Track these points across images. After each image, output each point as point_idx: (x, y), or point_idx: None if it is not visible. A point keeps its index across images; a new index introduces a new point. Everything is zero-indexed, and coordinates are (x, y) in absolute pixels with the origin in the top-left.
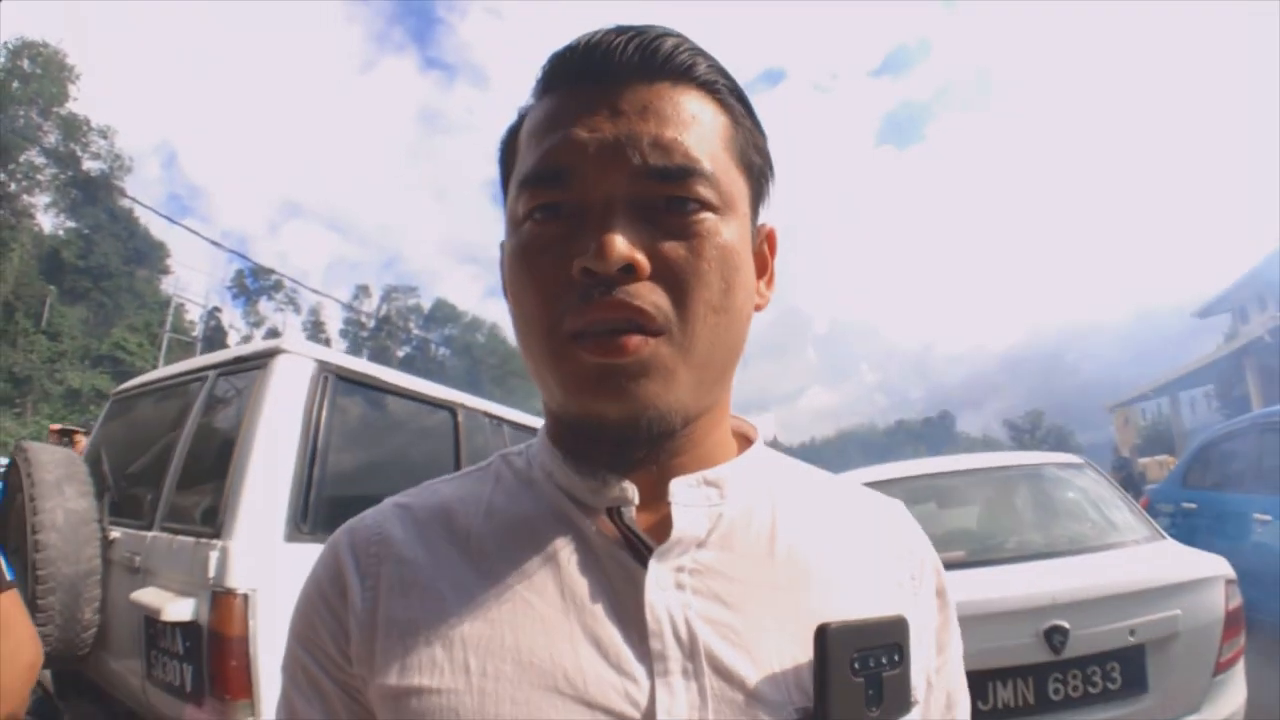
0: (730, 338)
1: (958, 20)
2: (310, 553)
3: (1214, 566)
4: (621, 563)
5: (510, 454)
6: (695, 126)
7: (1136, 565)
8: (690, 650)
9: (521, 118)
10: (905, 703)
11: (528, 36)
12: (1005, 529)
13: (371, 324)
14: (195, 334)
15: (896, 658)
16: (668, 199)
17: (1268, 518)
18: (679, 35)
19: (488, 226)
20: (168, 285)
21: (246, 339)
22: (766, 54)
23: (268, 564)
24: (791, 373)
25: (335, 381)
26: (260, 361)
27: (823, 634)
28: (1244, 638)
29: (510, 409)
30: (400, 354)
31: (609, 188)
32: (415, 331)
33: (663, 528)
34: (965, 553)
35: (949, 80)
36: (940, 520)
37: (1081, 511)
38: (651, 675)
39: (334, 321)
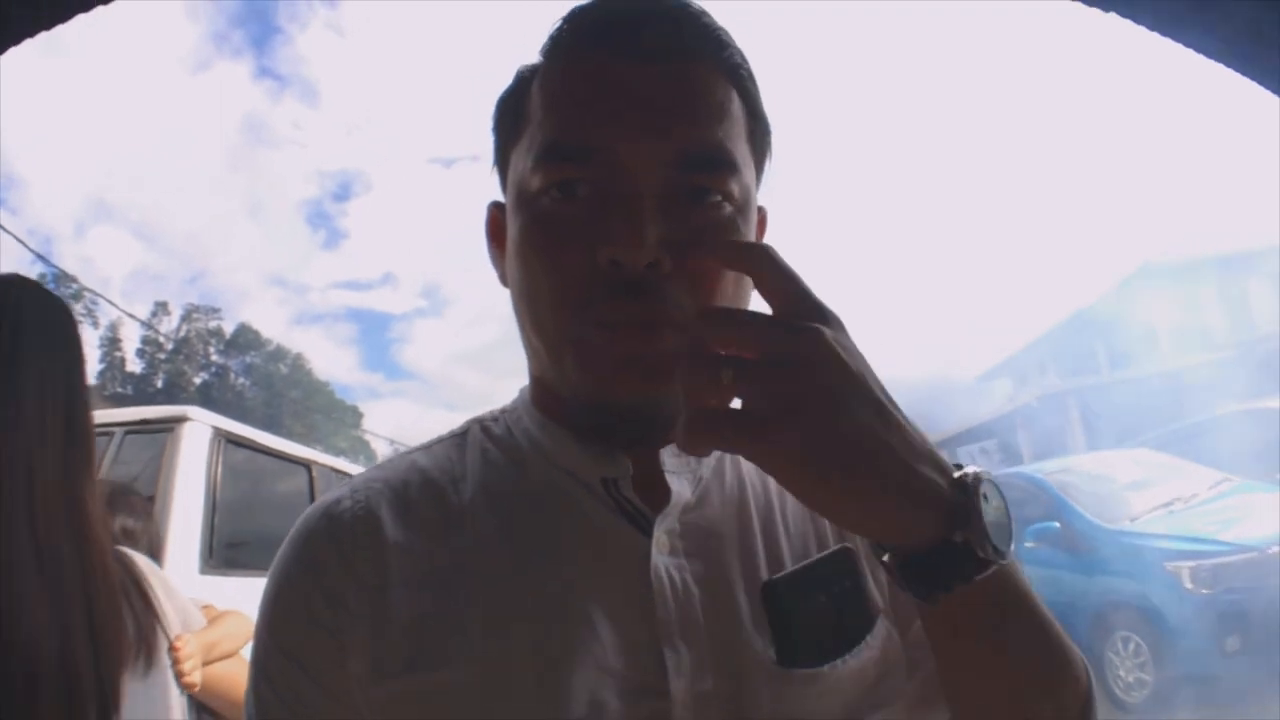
0: None
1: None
2: (216, 583)
3: None
4: (621, 532)
5: (485, 421)
6: (727, 116)
7: None
8: (690, 614)
9: (525, 78)
10: (867, 618)
11: (365, 58)
12: None
13: (170, 346)
14: None
15: (848, 584)
16: (695, 190)
17: None
18: (707, 11)
19: (301, 249)
20: None
21: None
22: None
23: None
24: None
25: (225, 444)
26: (168, 425)
27: (771, 588)
28: None
29: (350, 463)
30: (197, 380)
31: (640, 173)
32: (214, 358)
33: (650, 496)
34: None
35: None
36: None
37: None
38: (658, 641)
39: (132, 339)
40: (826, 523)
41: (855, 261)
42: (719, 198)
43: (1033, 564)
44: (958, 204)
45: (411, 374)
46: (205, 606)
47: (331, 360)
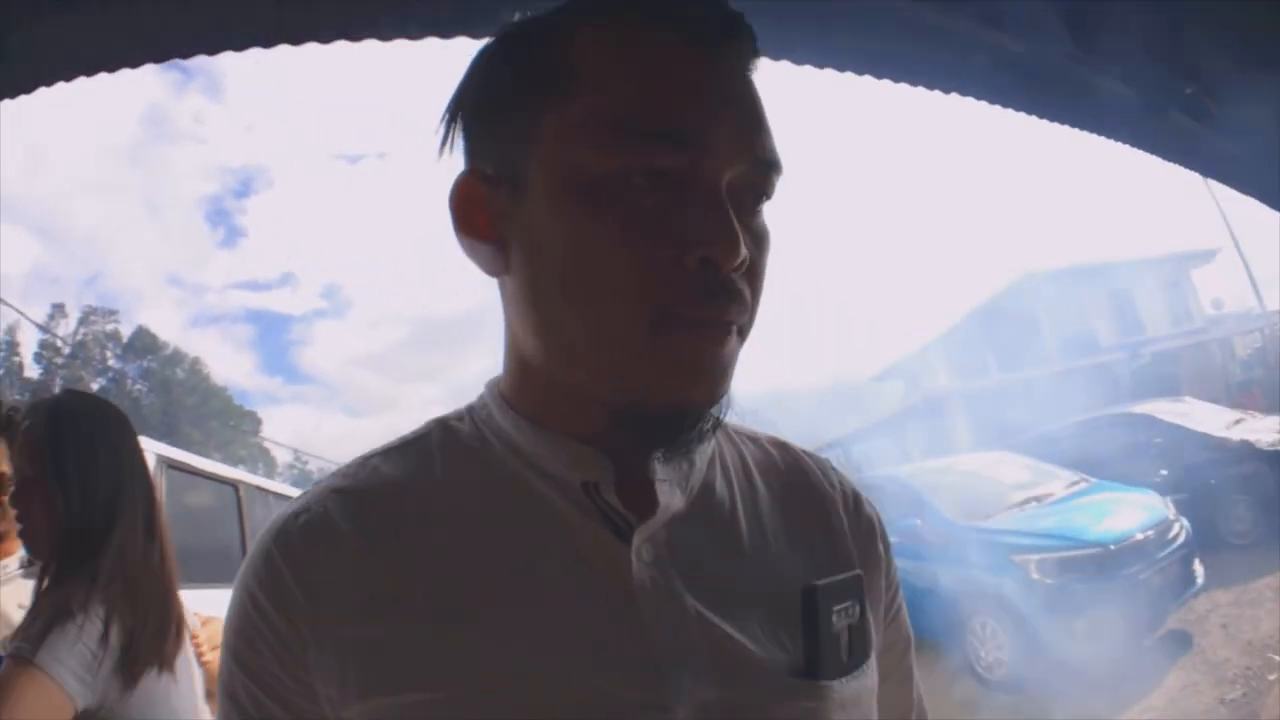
0: None
1: None
2: None
3: None
4: (602, 540)
5: (450, 422)
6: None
7: None
8: (681, 625)
9: (558, 31)
10: (867, 648)
11: (272, 55)
12: None
13: (67, 350)
14: None
15: (858, 609)
16: (755, 192)
17: None
18: None
19: (199, 248)
20: None
21: None
22: None
23: None
24: None
25: (167, 469)
26: None
27: (812, 593)
28: None
29: (283, 484)
30: (95, 386)
31: (731, 169)
32: (112, 363)
33: (633, 503)
34: None
35: None
36: None
37: None
38: (649, 654)
39: (29, 343)
40: (824, 540)
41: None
42: (765, 201)
43: (899, 557)
44: (854, 209)
45: (311, 378)
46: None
47: (229, 364)
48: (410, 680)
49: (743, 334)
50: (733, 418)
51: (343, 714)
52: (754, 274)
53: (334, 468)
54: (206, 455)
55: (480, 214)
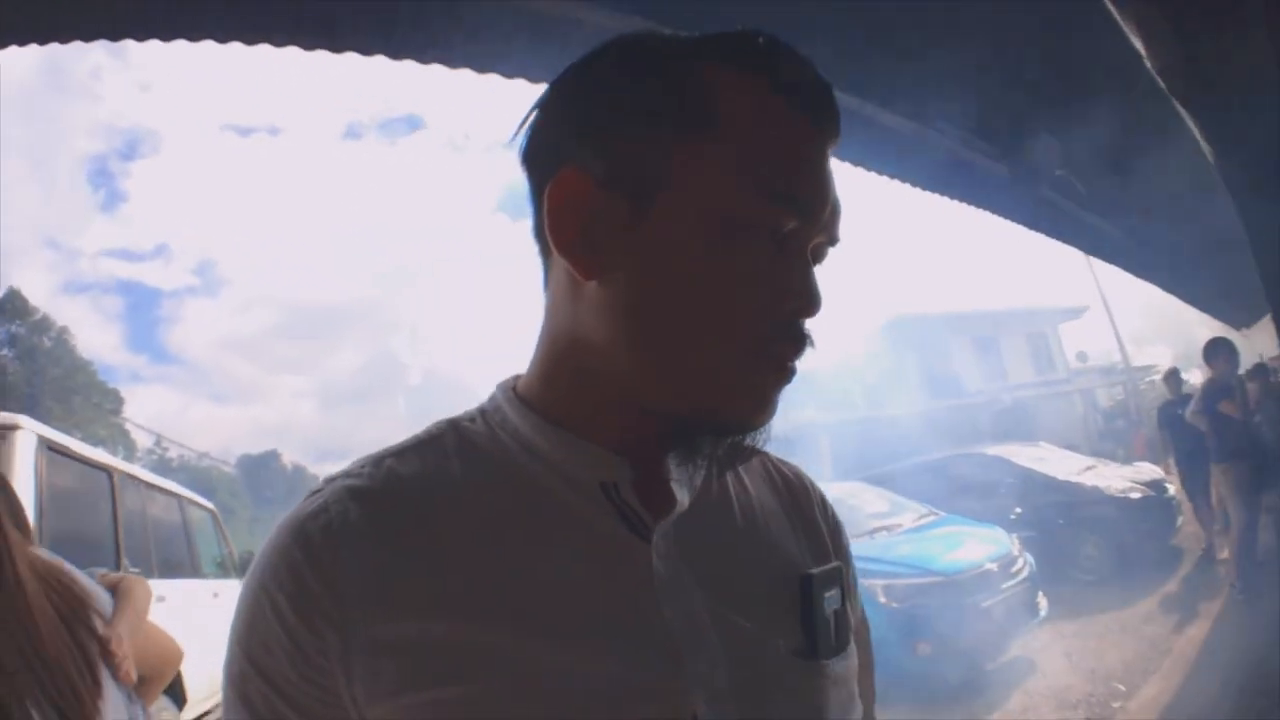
0: None
1: None
2: None
3: None
4: (621, 538)
5: (461, 423)
6: None
7: None
8: (698, 617)
9: (703, 65)
10: (848, 632)
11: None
12: None
13: None
14: None
15: (840, 596)
16: (818, 260)
17: None
18: None
19: (79, 210)
20: None
21: None
22: (410, 100)
23: None
24: (380, 421)
25: (48, 451)
26: (1, 433)
27: (809, 580)
28: None
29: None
30: None
31: (818, 240)
32: None
33: (647, 502)
34: None
35: None
36: None
37: None
38: (670, 644)
39: None
40: (805, 534)
41: None
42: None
43: None
44: None
45: (178, 359)
46: (101, 574)
47: (96, 336)
48: (444, 676)
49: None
50: None
51: (370, 713)
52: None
53: (195, 457)
54: (67, 433)
55: (583, 215)
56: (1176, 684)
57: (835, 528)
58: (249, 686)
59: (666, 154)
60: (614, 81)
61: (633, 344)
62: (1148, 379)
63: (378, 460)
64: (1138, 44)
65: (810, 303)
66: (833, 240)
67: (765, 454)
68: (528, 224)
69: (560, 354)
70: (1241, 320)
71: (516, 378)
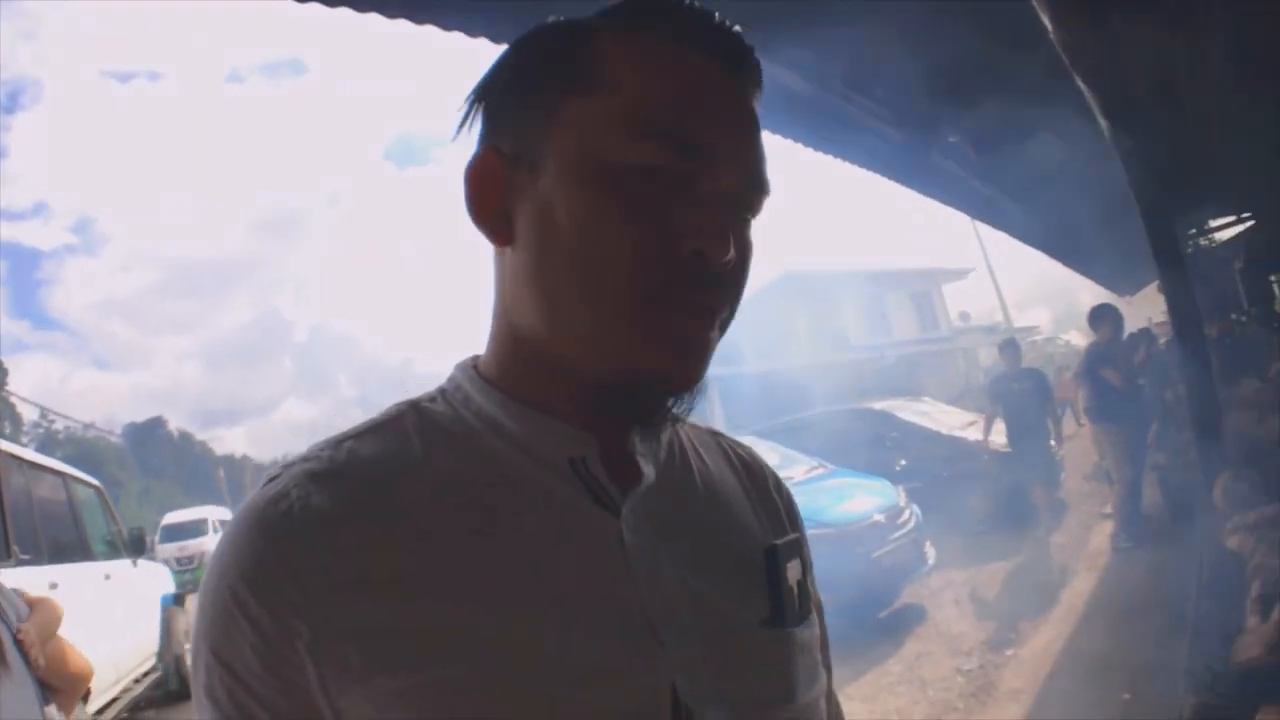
0: None
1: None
2: None
3: None
4: (591, 513)
5: (422, 404)
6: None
7: None
8: (669, 589)
9: (584, 30)
10: (809, 601)
11: None
12: None
13: None
14: None
15: (800, 567)
16: (745, 205)
17: None
18: None
19: None
20: None
21: None
22: (294, 43)
23: None
24: (267, 381)
25: None
26: None
27: (773, 551)
28: None
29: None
30: None
31: (729, 181)
32: None
33: (614, 477)
34: None
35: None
36: None
37: None
38: (643, 618)
39: None
40: (763, 509)
41: None
42: (752, 217)
43: None
44: None
45: (60, 324)
46: (19, 592)
47: None
48: (415, 658)
49: (722, 327)
50: None
51: (340, 701)
52: (736, 277)
53: (81, 428)
54: None
55: (494, 187)
56: (1068, 631)
57: (789, 503)
58: (214, 680)
59: (551, 117)
60: (510, 62)
61: (539, 301)
62: (1029, 339)
63: (336, 443)
64: (1045, 17)
65: (709, 241)
66: (752, 185)
67: (720, 435)
68: (414, 172)
69: (501, 331)
70: (1127, 288)
71: (476, 358)
